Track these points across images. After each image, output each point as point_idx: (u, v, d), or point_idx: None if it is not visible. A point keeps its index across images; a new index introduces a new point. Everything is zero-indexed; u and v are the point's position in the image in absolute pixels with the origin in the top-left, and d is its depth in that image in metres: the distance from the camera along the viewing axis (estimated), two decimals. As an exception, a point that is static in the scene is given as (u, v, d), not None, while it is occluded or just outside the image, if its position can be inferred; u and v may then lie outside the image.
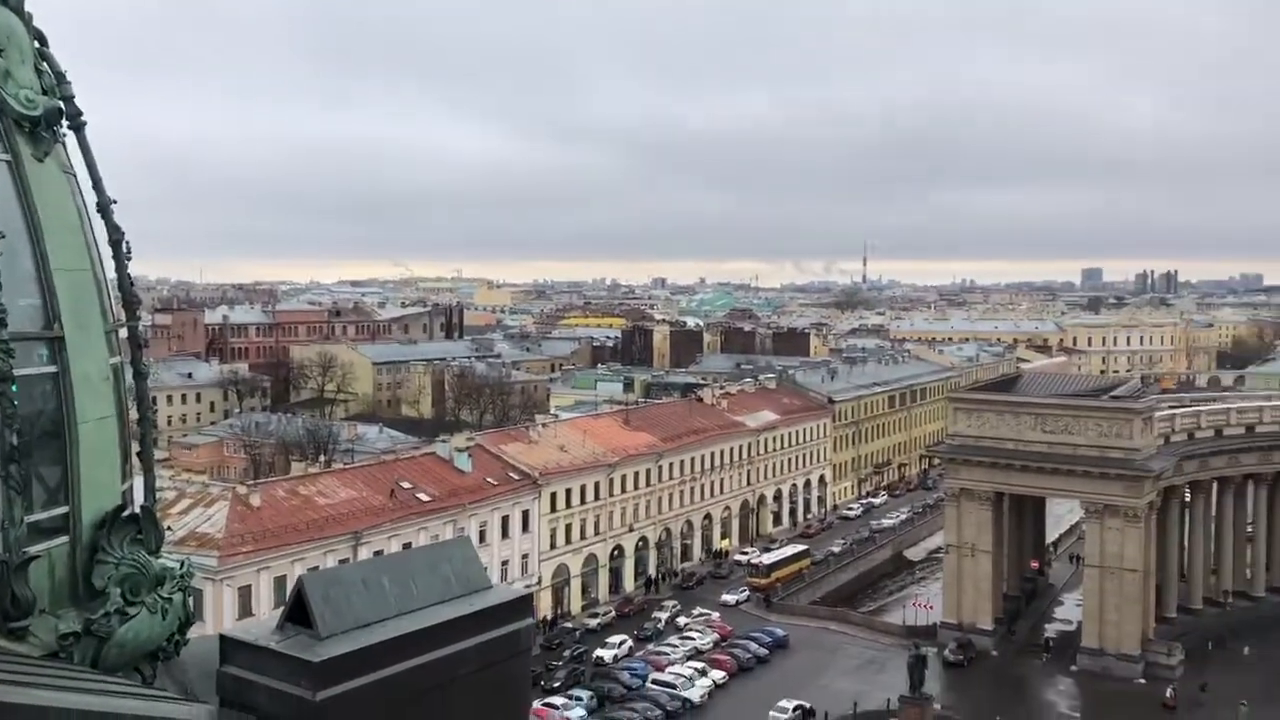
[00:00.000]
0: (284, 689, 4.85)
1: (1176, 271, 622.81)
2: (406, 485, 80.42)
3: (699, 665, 77.98)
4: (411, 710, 5.21)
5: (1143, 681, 76.52)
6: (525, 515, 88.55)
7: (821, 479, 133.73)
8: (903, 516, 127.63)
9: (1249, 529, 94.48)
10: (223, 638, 5.19)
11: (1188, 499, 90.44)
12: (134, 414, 10.07)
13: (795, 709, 69.93)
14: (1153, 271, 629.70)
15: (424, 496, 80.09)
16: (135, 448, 9.77)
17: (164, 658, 7.60)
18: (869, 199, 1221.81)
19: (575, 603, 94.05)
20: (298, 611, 5.12)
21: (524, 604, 5.87)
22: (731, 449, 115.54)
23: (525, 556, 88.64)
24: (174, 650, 7.80)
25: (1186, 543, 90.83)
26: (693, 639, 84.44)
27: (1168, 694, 73.00)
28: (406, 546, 70.79)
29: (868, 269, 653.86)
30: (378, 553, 69.39)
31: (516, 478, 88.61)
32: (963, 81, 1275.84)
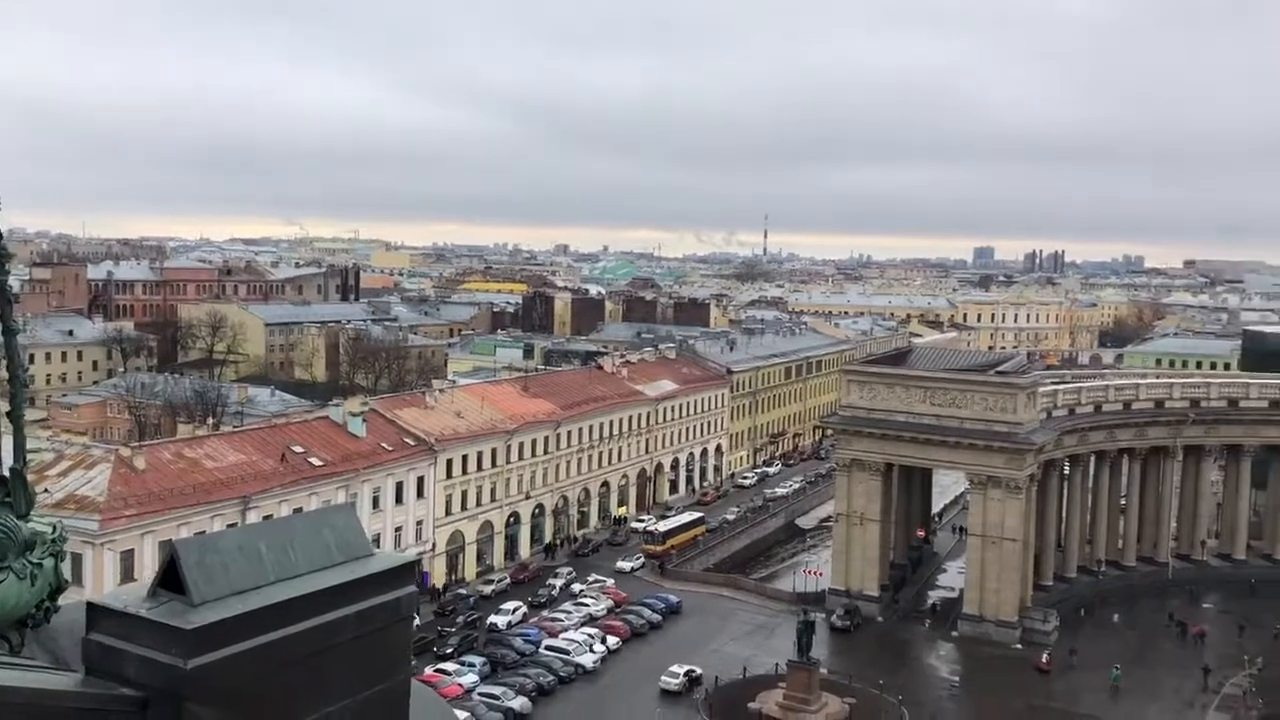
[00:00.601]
0: (154, 657, 4.71)
1: (1063, 252, 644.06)
2: (298, 449, 78.91)
3: (592, 631, 78.60)
4: (287, 678, 5.14)
5: (1019, 646, 79.66)
6: (420, 481, 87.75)
7: (718, 448, 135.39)
8: (796, 486, 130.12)
9: (1122, 501, 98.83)
10: (90, 605, 5.02)
11: (1066, 472, 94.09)
12: (3, 372, 9.64)
13: (686, 673, 71.08)
14: (1041, 251, 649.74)
15: (316, 461, 78.72)
16: (4, 407, 9.36)
17: (33, 625, 7.36)
18: (769, 172, 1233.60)
19: (470, 569, 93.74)
20: (170, 578, 4.98)
21: (406, 571, 5.82)
22: (630, 417, 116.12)
23: (420, 523, 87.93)
24: (44, 618, 7.55)
25: (1064, 514, 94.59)
26: (587, 605, 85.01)
27: (1042, 658, 76.17)
28: (298, 512, 69.58)
29: (768, 241, 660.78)
30: (267, 518, 68.09)
31: (412, 443, 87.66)
32: (862, 58, 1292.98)
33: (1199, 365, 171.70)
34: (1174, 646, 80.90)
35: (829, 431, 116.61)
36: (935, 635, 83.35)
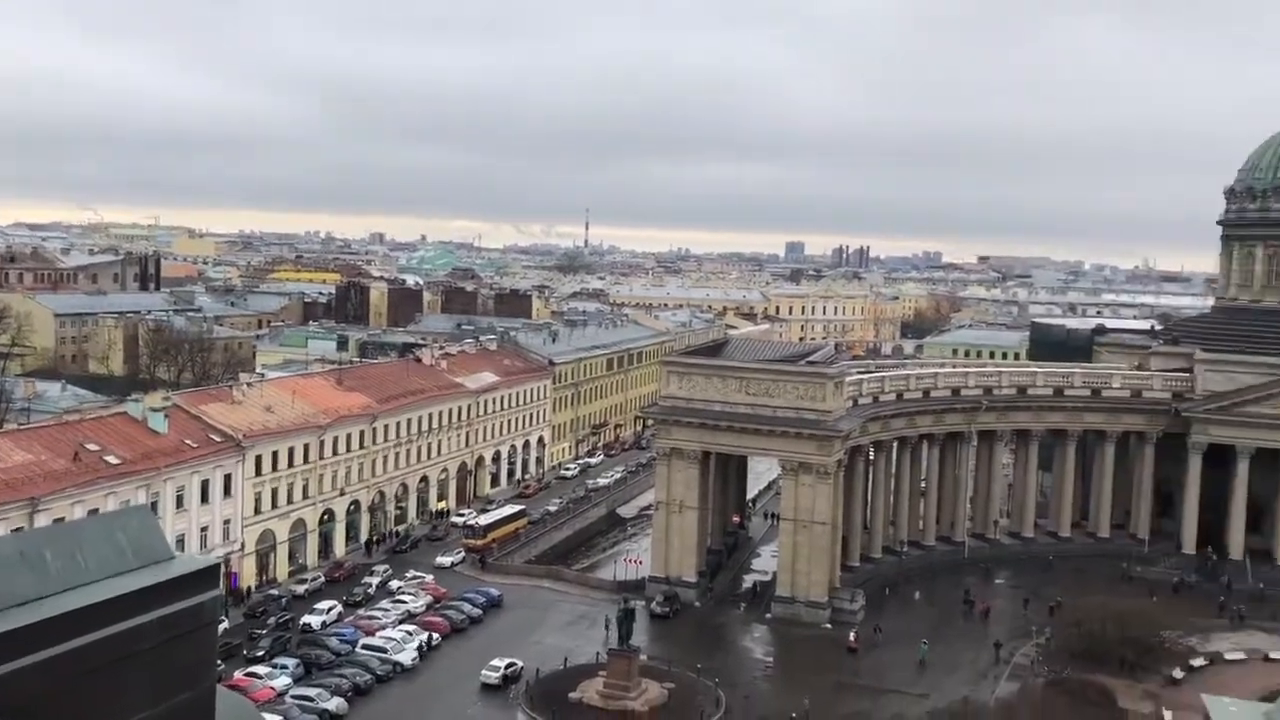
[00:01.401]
0: (-76, 676, 4.36)
1: (868, 248, 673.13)
2: (93, 448, 74.28)
3: (411, 628, 77.31)
4: (81, 691, 4.84)
5: (829, 626, 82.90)
6: (227, 479, 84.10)
7: (540, 440, 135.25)
8: (617, 476, 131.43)
9: (922, 484, 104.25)
10: None
11: (871, 457, 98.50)
12: None
13: (506, 667, 70.81)
14: (848, 247, 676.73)
15: (113, 460, 74.29)
16: None
17: None
18: (591, 165, 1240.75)
19: (282, 569, 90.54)
20: (-57, 590, 4.62)
21: (209, 574, 5.57)
22: (450, 410, 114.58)
23: (227, 522, 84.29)
24: None
25: (869, 497, 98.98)
26: (405, 602, 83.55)
27: (850, 637, 79.51)
28: (93, 513, 65.51)
29: (589, 234, 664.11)
30: (59, 520, 63.86)
31: (218, 440, 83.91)
32: (680, 55, 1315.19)
33: (991, 355, 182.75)
34: (967, 622, 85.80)
35: (650, 421, 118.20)
36: (750, 618, 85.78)
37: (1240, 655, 78.49)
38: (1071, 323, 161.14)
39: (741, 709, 67.48)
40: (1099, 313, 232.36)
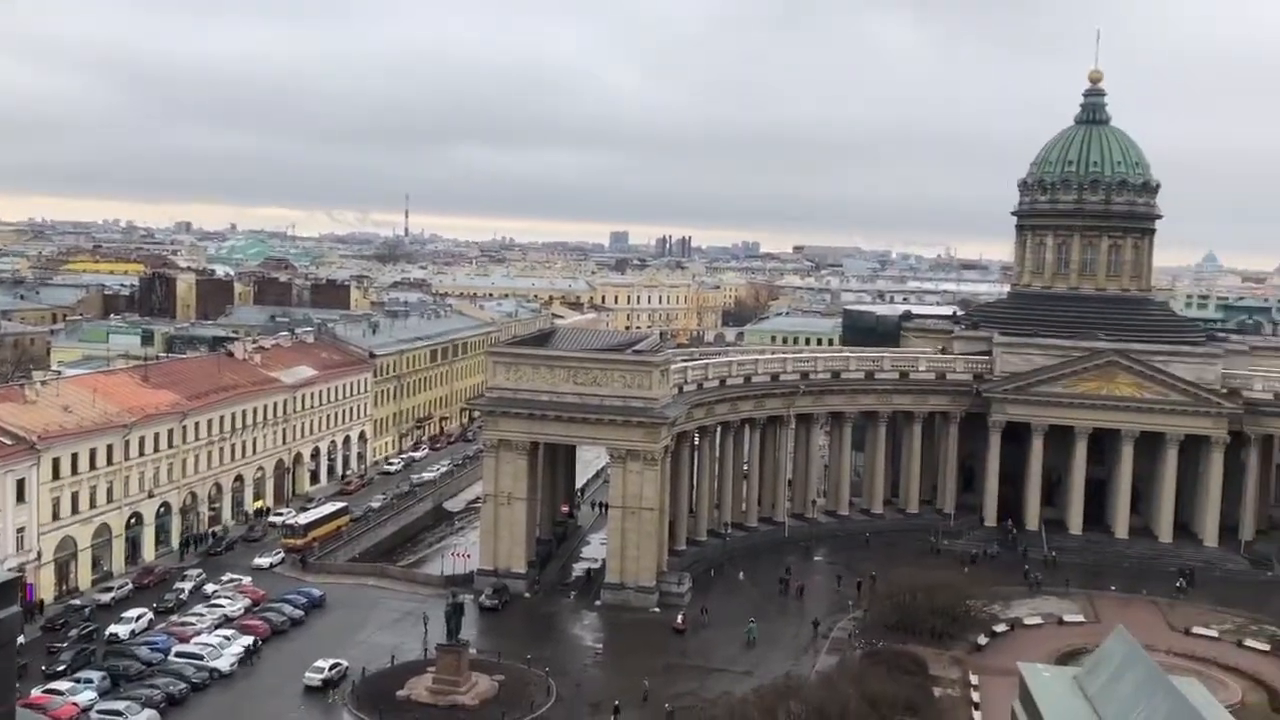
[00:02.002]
0: None
1: (691, 238, 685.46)
2: None
3: (229, 633, 74.27)
4: None
5: (657, 610, 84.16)
6: (20, 484, 78.63)
7: (362, 435, 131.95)
8: (443, 469, 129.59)
9: (745, 468, 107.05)
10: None
11: (696, 442, 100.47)
12: None
13: (331, 667, 68.92)
14: (671, 237, 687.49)
15: (-113, 467, 68.29)
16: None
17: None
18: (410, 151, 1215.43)
19: (85, 577, 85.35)
20: None
21: (8, 590, 5.15)
22: (266, 406, 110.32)
23: (21, 530, 78.81)
24: None
25: (695, 482, 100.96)
26: (221, 606, 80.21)
27: (678, 619, 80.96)
28: None
29: (410, 222, 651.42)
30: None
31: (9, 442, 78.31)
32: (500, 40, 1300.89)
33: (808, 341, 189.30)
34: (785, 601, 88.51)
35: (476, 413, 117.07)
36: (580, 606, 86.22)
37: (1038, 620, 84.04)
38: (881, 309, 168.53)
39: (572, 696, 67.80)
40: (905, 300, 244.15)
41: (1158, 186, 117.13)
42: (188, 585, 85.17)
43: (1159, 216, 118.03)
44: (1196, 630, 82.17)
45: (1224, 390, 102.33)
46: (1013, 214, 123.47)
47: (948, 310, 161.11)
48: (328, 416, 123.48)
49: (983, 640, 78.64)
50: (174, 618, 78.54)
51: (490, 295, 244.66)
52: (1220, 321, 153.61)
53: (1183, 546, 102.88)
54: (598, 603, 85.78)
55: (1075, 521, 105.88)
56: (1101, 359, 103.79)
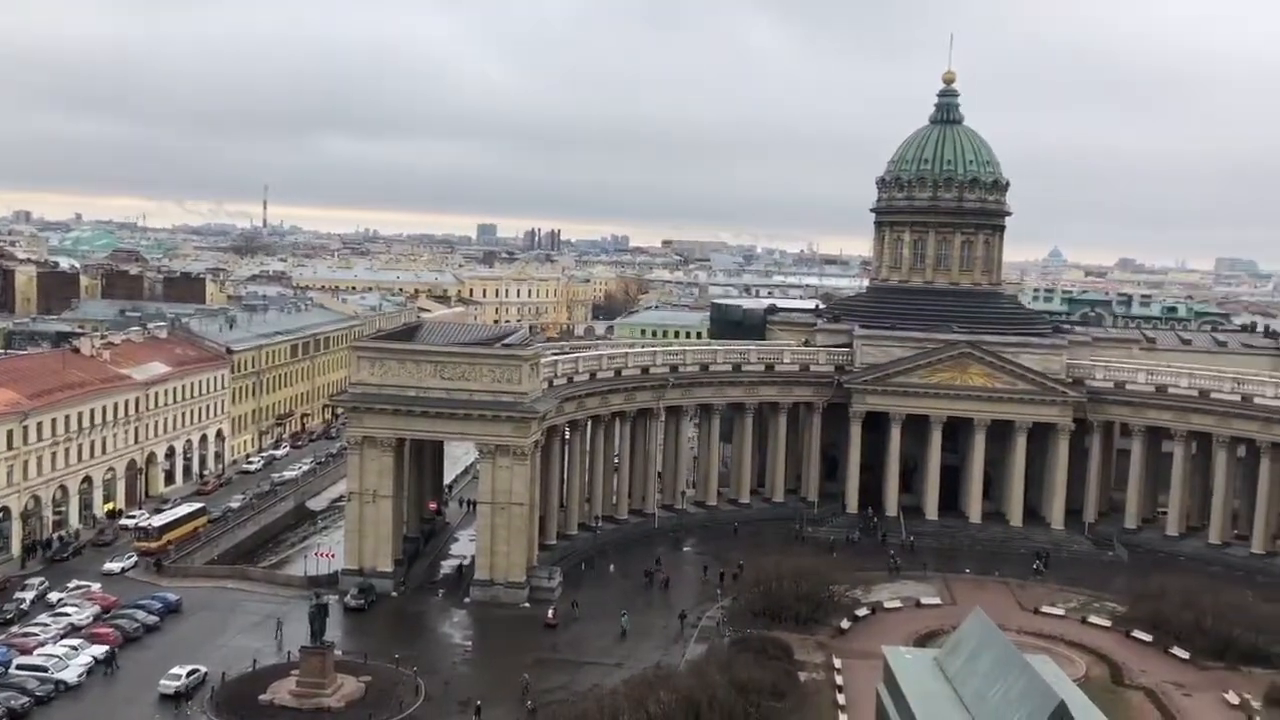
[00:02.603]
0: None
1: (560, 231, 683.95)
2: None
3: (76, 643, 70.82)
4: None
5: (528, 605, 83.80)
6: None
7: (219, 433, 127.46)
8: (306, 467, 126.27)
9: (616, 460, 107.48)
10: None
11: (567, 436, 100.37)
12: None
13: (189, 674, 66.44)
14: (540, 230, 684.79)
15: None
16: None
17: None
18: (267, 139, 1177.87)
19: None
20: None
21: None
22: (115, 405, 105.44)
23: None
24: None
25: (565, 476, 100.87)
26: (68, 615, 76.46)
27: (549, 614, 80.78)
28: None
29: (268, 213, 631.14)
30: None
31: None
32: (357, 27, 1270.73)
33: (677, 334, 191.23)
34: (651, 593, 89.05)
35: (340, 410, 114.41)
36: (449, 604, 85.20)
37: (898, 603, 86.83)
38: (747, 303, 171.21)
39: (441, 695, 66.99)
40: (770, 293, 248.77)
41: (1007, 184, 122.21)
42: (29, 594, 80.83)
43: (1008, 213, 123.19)
44: (1044, 609, 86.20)
45: (1069, 379, 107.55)
46: (872, 210, 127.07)
47: (811, 304, 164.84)
48: (183, 414, 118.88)
49: (845, 624, 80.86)
50: (15, 629, 74.49)
51: (354, 288, 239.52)
52: (1065, 314, 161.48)
53: (1031, 529, 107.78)
54: (467, 600, 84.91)
55: (931, 507, 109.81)
56: (955, 350, 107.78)
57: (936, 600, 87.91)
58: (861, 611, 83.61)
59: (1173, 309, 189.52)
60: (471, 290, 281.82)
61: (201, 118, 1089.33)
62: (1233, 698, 69.21)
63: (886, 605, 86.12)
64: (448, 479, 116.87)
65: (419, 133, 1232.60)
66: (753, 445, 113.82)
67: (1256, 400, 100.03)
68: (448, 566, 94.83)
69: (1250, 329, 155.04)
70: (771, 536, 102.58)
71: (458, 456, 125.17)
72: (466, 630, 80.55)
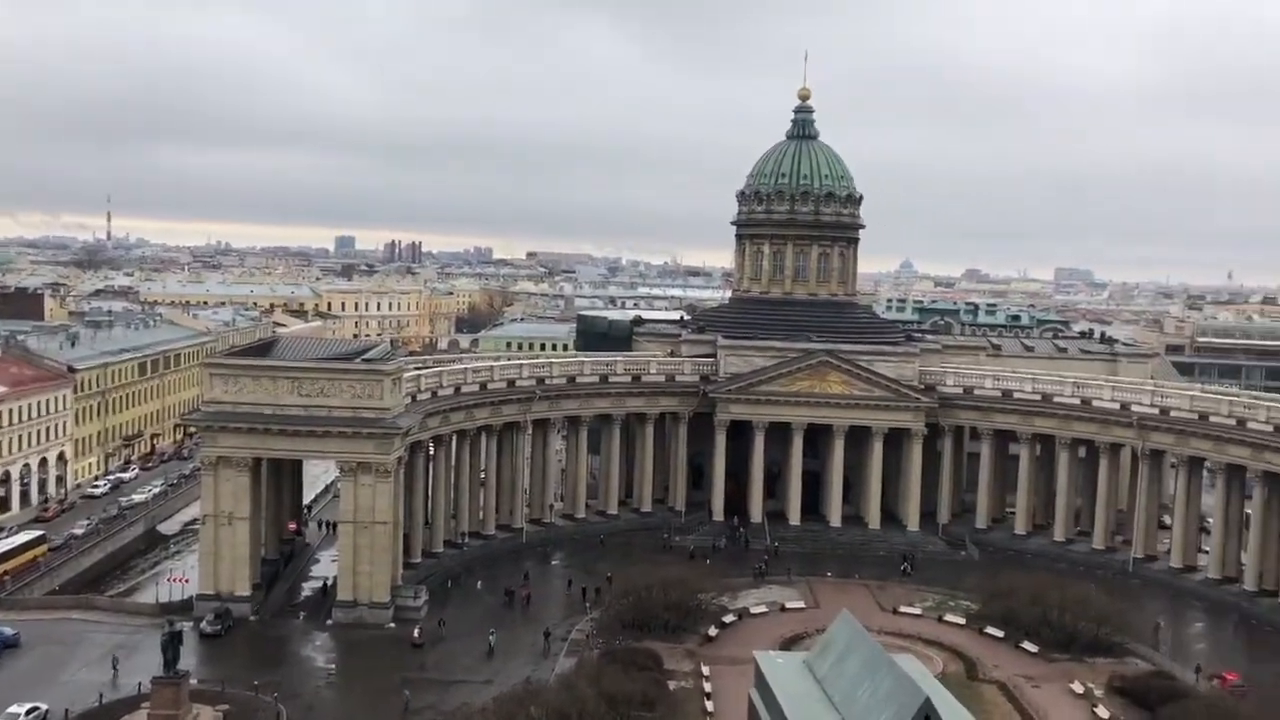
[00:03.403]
0: None
1: (421, 243, 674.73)
2: None
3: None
4: None
5: (393, 625, 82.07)
6: None
7: (61, 456, 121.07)
8: (157, 490, 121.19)
9: (482, 475, 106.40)
10: None
11: (431, 452, 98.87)
12: None
13: (29, 712, 62.71)
14: (400, 242, 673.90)
15: None
16: None
17: None
18: (106, 150, 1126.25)
19: None
20: None
21: None
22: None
23: None
24: None
25: (430, 492, 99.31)
26: (-107, 655, 71.32)
27: (415, 633, 79.30)
28: None
29: (112, 225, 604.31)
30: None
31: None
32: (203, 38, 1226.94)
33: (543, 347, 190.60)
34: (514, 611, 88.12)
35: (193, 429, 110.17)
36: (311, 627, 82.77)
37: (763, 608, 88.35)
38: (613, 314, 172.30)
39: (304, 721, 65.03)
40: (636, 305, 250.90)
41: (861, 199, 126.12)
42: None
43: (862, 226, 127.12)
44: (903, 609, 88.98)
45: (921, 386, 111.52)
46: (733, 223, 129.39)
47: (676, 315, 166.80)
48: (20, 437, 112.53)
49: (713, 631, 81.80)
50: None
51: (205, 303, 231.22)
52: (917, 323, 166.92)
53: (889, 532, 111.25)
54: (329, 622, 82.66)
55: (794, 512, 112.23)
56: (814, 359, 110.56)
57: (801, 604, 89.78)
58: (729, 618, 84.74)
59: (1016, 317, 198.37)
60: (330, 304, 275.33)
61: (31, 124, 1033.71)
62: (1078, 687, 72.74)
63: (753, 611, 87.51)
64: (307, 499, 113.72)
65: (266, 143, 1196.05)
66: (620, 456, 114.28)
67: (1095, 403, 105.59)
68: (309, 588, 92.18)
69: (1088, 335, 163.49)
70: (640, 547, 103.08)
71: (317, 475, 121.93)
72: (329, 653, 78.40)
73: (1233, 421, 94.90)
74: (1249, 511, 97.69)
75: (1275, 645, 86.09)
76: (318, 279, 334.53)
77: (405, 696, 66.90)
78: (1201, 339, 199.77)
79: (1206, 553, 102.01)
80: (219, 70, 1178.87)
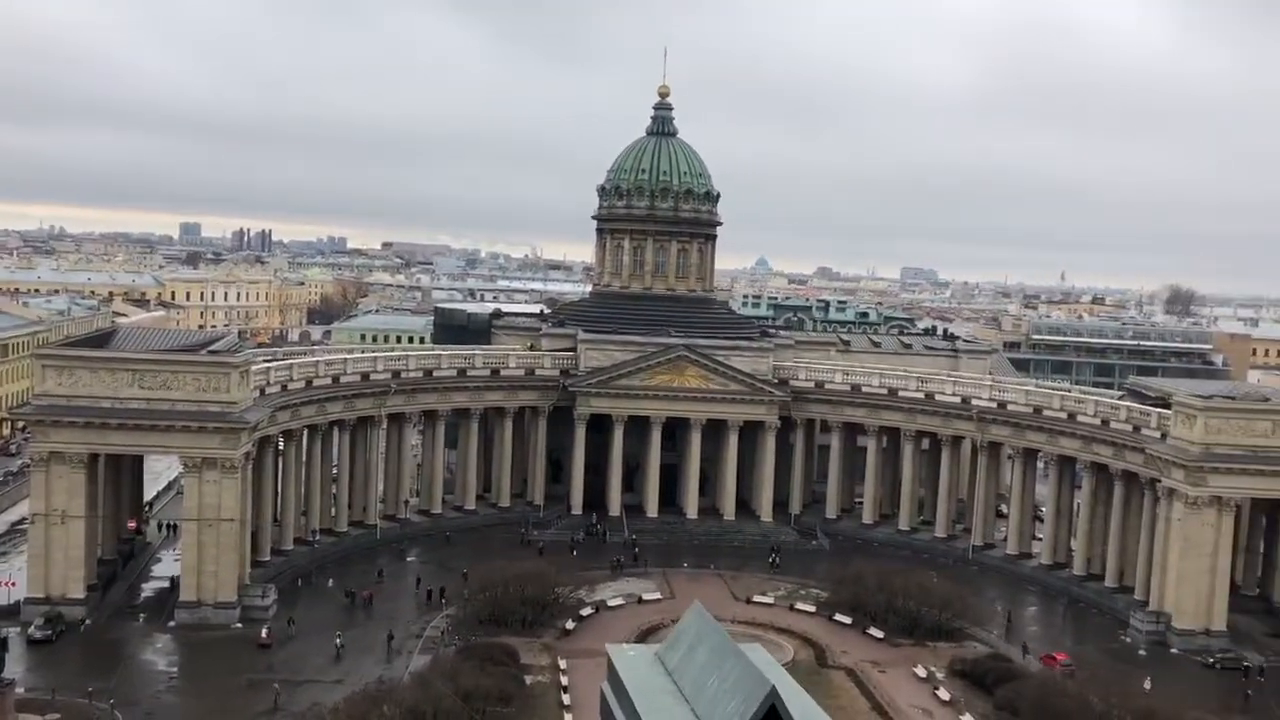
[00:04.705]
0: None
1: (271, 231, 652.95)
2: None
3: None
4: None
5: (240, 625, 79.41)
6: None
7: None
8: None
9: (334, 471, 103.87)
10: None
11: (281, 447, 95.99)
12: None
13: None
14: (249, 230, 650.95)
15: None
16: None
17: None
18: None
19: None
20: None
21: None
22: None
23: None
24: None
25: (280, 488, 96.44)
26: None
27: (263, 633, 76.93)
28: None
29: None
30: None
31: None
32: (27, 15, 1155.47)
33: (399, 339, 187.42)
34: (375, 605, 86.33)
35: (22, 424, 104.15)
36: (151, 629, 79.33)
37: (620, 601, 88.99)
38: (471, 307, 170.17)
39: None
40: (495, 298, 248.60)
41: (718, 196, 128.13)
42: None
43: (720, 223, 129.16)
44: (756, 598, 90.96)
45: (775, 380, 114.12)
46: (593, 218, 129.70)
47: (536, 309, 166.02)
48: None
49: (570, 625, 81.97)
50: None
51: (37, 291, 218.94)
52: (771, 319, 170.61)
53: (744, 523, 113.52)
54: (172, 624, 79.39)
55: (652, 505, 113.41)
56: (673, 354, 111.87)
57: (657, 595, 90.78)
58: (586, 611, 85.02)
59: (865, 314, 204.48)
60: (174, 293, 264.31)
61: None
62: (921, 671, 75.76)
63: (610, 604, 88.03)
64: (149, 495, 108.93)
65: (104, 124, 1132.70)
66: (478, 451, 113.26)
67: (937, 398, 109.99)
68: (149, 589, 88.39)
69: (931, 333, 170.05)
70: (499, 542, 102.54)
71: (159, 471, 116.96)
72: (171, 656, 75.32)
73: (1064, 415, 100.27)
74: (1079, 501, 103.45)
75: (1101, 626, 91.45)
76: (161, 267, 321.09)
77: (275, 689, 65.53)
78: (1036, 336, 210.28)
79: (1040, 540, 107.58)
80: (43, 50, 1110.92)
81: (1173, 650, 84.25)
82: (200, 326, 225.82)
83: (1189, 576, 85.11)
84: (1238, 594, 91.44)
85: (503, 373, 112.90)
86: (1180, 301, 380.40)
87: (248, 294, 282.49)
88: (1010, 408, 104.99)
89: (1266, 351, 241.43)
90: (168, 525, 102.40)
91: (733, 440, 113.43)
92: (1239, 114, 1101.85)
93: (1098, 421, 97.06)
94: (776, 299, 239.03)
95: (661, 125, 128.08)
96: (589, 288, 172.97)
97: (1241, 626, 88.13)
